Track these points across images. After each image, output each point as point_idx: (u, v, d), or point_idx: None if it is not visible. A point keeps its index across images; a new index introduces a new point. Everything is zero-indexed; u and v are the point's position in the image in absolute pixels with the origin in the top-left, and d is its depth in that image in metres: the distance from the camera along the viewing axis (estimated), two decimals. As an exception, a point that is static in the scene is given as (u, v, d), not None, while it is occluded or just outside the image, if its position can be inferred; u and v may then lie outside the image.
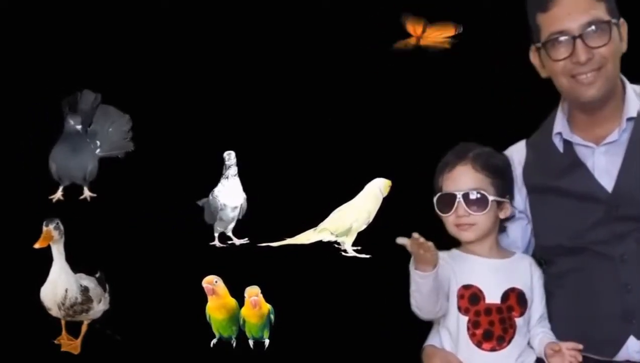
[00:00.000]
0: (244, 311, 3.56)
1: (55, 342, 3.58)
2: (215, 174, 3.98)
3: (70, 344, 3.58)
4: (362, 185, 3.83)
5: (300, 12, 4.00)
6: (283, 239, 3.81)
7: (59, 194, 4.03)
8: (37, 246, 3.38)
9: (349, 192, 3.85)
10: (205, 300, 3.57)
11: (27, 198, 4.00)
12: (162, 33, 4.23)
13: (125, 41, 4.19)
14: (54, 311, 3.48)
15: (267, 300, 3.56)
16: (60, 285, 3.43)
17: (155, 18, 4.23)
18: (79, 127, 3.97)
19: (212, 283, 3.54)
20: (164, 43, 4.24)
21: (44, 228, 3.40)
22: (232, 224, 3.89)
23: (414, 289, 2.51)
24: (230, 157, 3.82)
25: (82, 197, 4.06)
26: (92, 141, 4.09)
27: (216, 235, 3.89)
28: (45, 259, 3.47)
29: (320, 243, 3.83)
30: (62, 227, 3.44)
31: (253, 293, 3.51)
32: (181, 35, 4.22)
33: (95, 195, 4.08)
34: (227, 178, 3.84)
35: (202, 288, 3.56)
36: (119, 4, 4.22)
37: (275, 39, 4.02)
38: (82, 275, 3.56)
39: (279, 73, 4.03)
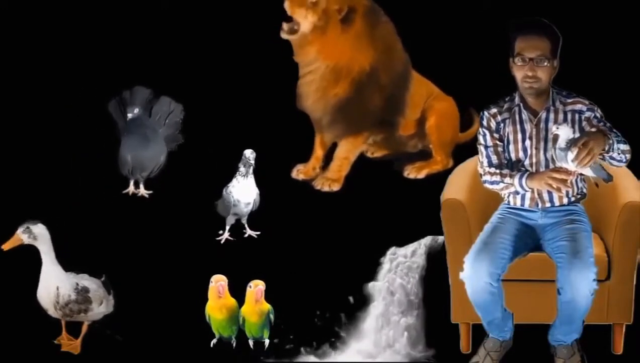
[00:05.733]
0: (244, 310, 3.54)
1: (56, 342, 3.60)
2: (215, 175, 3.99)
3: (70, 344, 3.59)
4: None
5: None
6: None
7: (132, 188, 4.08)
8: (3, 247, 3.42)
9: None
10: (205, 300, 3.57)
11: (29, 199, 4.03)
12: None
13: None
14: (51, 311, 3.49)
15: (267, 298, 3.55)
16: (51, 284, 3.44)
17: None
18: (136, 115, 4.03)
19: (224, 282, 3.52)
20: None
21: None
22: (246, 216, 3.92)
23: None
24: (252, 156, 3.80)
25: (140, 193, 4.09)
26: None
27: (227, 227, 3.90)
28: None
29: (324, 243, 3.84)
30: (35, 230, 3.42)
31: (259, 283, 3.51)
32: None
33: (151, 191, 4.11)
34: (244, 175, 3.82)
35: (201, 289, 3.55)
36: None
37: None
38: (85, 276, 3.57)
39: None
